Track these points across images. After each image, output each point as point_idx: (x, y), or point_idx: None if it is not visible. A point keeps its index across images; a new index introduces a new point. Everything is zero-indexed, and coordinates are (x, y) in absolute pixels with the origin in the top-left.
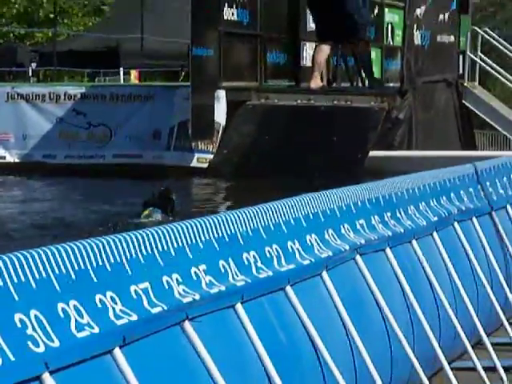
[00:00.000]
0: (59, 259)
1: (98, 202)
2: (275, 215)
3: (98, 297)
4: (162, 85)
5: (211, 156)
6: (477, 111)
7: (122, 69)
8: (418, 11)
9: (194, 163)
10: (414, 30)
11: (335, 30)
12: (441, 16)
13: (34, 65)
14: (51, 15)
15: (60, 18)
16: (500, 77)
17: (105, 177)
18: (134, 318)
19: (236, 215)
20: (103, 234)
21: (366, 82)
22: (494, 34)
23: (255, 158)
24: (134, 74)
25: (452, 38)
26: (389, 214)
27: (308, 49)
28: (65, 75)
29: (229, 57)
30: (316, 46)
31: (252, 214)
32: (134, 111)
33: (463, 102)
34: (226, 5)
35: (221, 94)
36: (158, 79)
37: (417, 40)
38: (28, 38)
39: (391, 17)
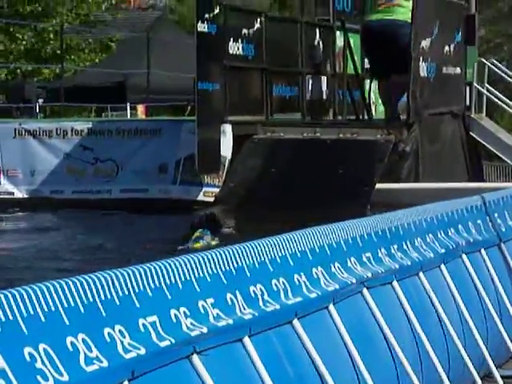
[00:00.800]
0: (68, 292)
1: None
2: (281, 248)
3: (106, 330)
4: (168, 119)
5: (217, 190)
6: (484, 143)
7: (128, 104)
8: (424, 43)
9: (201, 197)
10: (420, 62)
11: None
12: (446, 48)
13: (41, 101)
14: (58, 51)
15: (67, 54)
16: (507, 108)
17: (112, 211)
18: (143, 351)
19: (243, 248)
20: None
21: (372, 114)
22: (500, 66)
23: (261, 192)
24: (140, 108)
25: (458, 70)
26: (395, 247)
27: (313, 82)
28: (72, 111)
29: (234, 91)
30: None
31: (258, 247)
32: (140, 146)
33: (470, 133)
34: (232, 39)
35: (227, 128)
36: (165, 114)
37: (422, 72)
38: (35, 74)
39: None
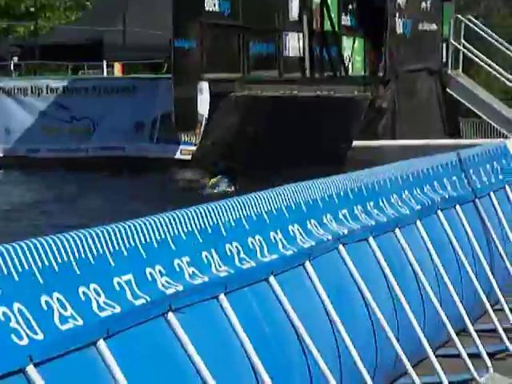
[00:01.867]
0: (42, 252)
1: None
2: (258, 206)
3: (81, 289)
4: (144, 77)
5: (194, 148)
6: (461, 99)
7: (105, 62)
8: (400, 0)
9: (178, 155)
10: (396, 19)
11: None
12: (423, 4)
13: (15, 59)
14: (32, 9)
15: (42, 12)
16: (484, 64)
17: (88, 170)
18: (118, 309)
19: (219, 206)
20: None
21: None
22: (477, 22)
23: (239, 150)
24: (117, 66)
25: (434, 26)
26: (371, 204)
27: (290, 39)
28: (48, 69)
29: (211, 48)
30: None
31: (234, 205)
32: (116, 104)
33: (447, 90)
34: None
35: (203, 86)
36: (142, 71)
37: (399, 29)
38: (9, 31)
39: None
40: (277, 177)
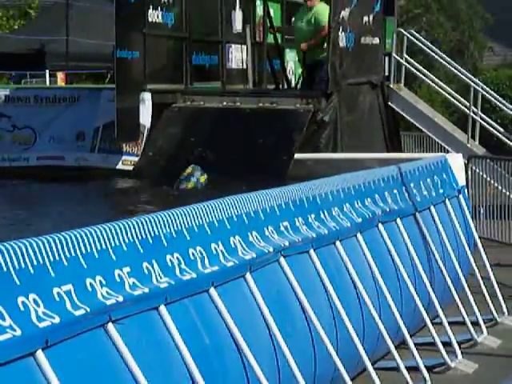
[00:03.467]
0: None
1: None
2: (199, 217)
3: (20, 299)
4: (87, 87)
5: (136, 158)
6: (402, 113)
7: (47, 71)
8: (343, 13)
9: (119, 165)
10: (339, 33)
11: None
12: (365, 18)
13: None
14: None
15: None
16: (425, 78)
17: (29, 179)
18: (57, 320)
19: (160, 217)
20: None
21: (292, 85)
22: (419, 36)
23: (180, 161)
24: (60, 76)
25: (377, 40)
26: (313, 216)
27: (233, 51)
28: None
29: (154, 59)
30: None
31: (176, 216)
32: (58, 113)
33: (389, 103)
34: (151, 7)
35: (146, 97)
36: (85, 82)
37: (342, 42)
38: None
39: None
40: (219, 188)
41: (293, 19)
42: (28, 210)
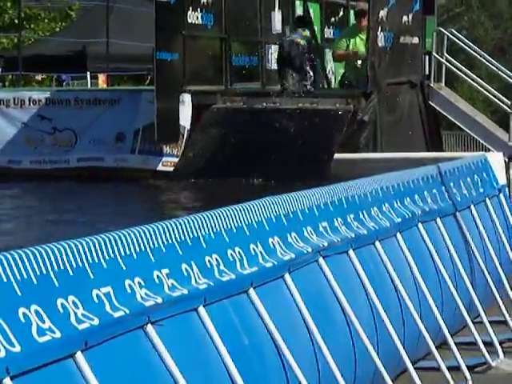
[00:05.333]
0: (20, 264)
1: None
2: (237, 218)
3: (59, 301)
4: (127, 89)
5: (176, 159)
6: (443, 112)
7: (88, 73)
8: (381, 13)
9: (160, 167)
10: (378, 32)
11: None
12: (404, 17)
13: None
14: (16, 20)
15: (26, 23)
16: (466, 77)
17: (70, 181)
18: (96, 322)
19: (198, 218)
20: None
21: (332, 85)
22: (459, 35)
23: (221, 161)
24: (101, 78)
25: (416, 40)
26: (352, 216)
27: (273, 51)
28: (32, 80)
29: (193, 60)
30: None
31: (214, 217)
32: (98, 115)
33: (429, 103)
34: (191, 8)
35: (186, 98)
36: (126, 83)
37: (380, 42)
38: None
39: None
40: (259, 188)
41: (332, 19)
42: (68, 211)
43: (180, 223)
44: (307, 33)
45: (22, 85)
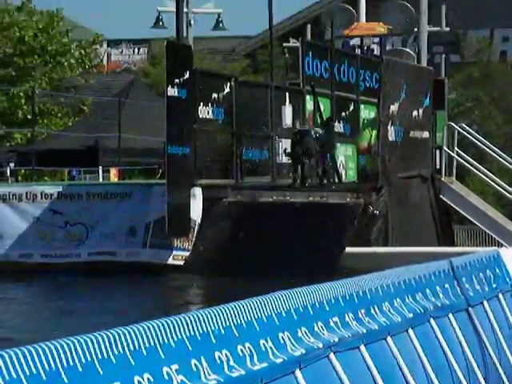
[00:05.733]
0: (30, 360)
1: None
2: (247, 313)
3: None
4: (138, 183)
5: (187, 253)
6: (454, 206)
7: (100, 167)
8: (392, 108)
9: (170, 260)
10: (388, 127)
11: None
12: (414, 112)
13: (12, 165)
14: (29, 116)
15: (40, 119)
16: (477, 172)
17: (81, 275)
18: None
19: (208, 313)
20: None
21: (342, 178)
22: (470, 130)
23: (231, 255)
24: (113, 171)
25: (426, 134)
26: (363, 311)
27: (283, 145)
28: (45, 174)
29: (204, 154)
30: None
31: (224, 312)
32: (110, 209)
33: (440, 197)
34: (202, 103)
35: (197, 192)
36: (138, 176)
37: (391, 136)
38: (7, 138)
39: (367, 113)
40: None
41: (343, 114)
42: (78, 304)
43: (190, 318)
44: (319, 130)
45: (34, 179)
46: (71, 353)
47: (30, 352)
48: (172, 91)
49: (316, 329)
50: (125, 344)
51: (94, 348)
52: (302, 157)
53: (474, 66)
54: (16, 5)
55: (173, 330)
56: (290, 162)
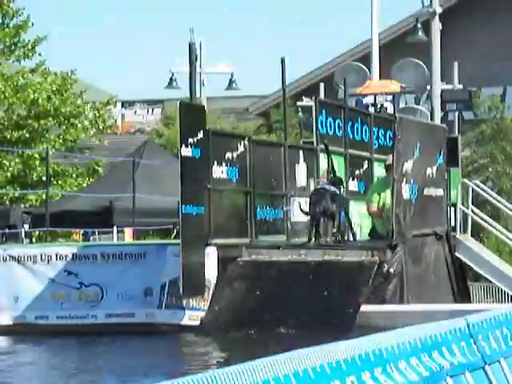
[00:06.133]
0: None
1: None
2: (263, 372)
3: None
4: (153, 243)
5: (203, 313)
6: (470, 263)
7: (115, 227)
8: (406, 165)
9: (186, 321)
10: (402, 184)
11: None
12: (428, 170)
13: (26, 226)
14: (44, 177)
15: (54, 180)
16: (492, 229)
17: (97, 336)
18: None
19: (225, 373)
20: None
21: (357, 237)
22: (484, 187)
23: (247, 315)
24: (127, 232)
25: (441, 191)
26: (379, 370)
27: (297, 204)
28: (60, 236)
29: (219, 213)
30: None
31: (240, 372)
32: (125, 270)
33: (456, 254)
34: (215, 163)
35: (211, 251)
36: (152, 236)
37: (405, 194)
38: (22, 200)
39: (380, 171)
40: (285, 341)
41: (357, 172)
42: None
43: (206, 378)
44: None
45: (48, 240)
46: None
47: None
48: (186, 151)
49: None
50: None
51: None
52: (319, 215)
53: (487, 122)
54: (30, 67)
55: None
56: (307, 220)
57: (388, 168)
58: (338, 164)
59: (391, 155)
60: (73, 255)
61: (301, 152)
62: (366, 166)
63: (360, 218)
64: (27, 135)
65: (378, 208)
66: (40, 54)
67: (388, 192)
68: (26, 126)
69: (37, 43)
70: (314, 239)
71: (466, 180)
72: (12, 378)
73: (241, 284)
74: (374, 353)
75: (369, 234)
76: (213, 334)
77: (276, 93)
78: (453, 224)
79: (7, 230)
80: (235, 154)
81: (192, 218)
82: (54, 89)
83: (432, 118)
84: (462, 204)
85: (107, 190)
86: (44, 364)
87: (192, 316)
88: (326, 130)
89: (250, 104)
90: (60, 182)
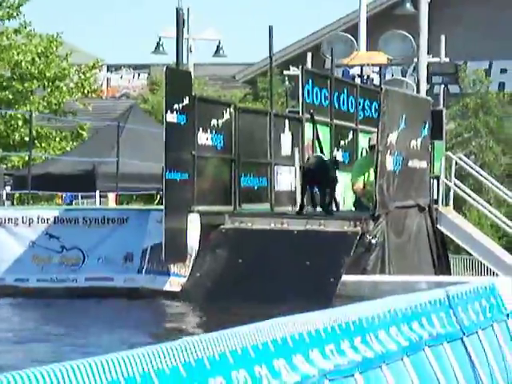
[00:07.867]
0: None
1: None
2: (243, 340)
3: None
4: (135, 208)
5: (184, 279)
6: (451, 236)
7: (98, 192)
8: (390, 137)
9: (167, 286)
10: (387, 156)
11: None
12: (413, 142)
13: (8, 188)
14: (27, 139)
15: (38, 142)
16: (474, 202)
17: (77, 300)
18: None
19: (203, 340)
20: None
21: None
22: (467, 160)
23: (228, 283)
24: (110, 196)
25: (424, 164)
26: (359, 339)
27: (282, 173)
28: (42, 199)
29: (203, 181)
30: None
31: (220, 339)
32: (106, 234)
33: (438, 226)
34: (201, 129)
35: (194, 218)
36: (136, 202)
37: (389, 165)
38: (4, 161)
39: (365, 142)
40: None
41: (342, 142)
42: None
43: (184, 345)
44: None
45: (30, 203)
46: (58, 380)
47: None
48: (171, 117)
49: (311, 356)
50: (118, 370)
51: (87, 373)
52: (311, 184)
53: (471, 96)
54: (14, 27)
55: (167, 357)
56: (295, 188)
57: (372, 148)
58: (323, 134)
59: (374, 134)
60: (55, 218)
61: (286, 121)
62: (351, 136)
63: (344, 188)
64: (10, 96)
65: (363, 186)
66: (24, 15)
67: (372, 171)
68: (10, 88)
69: (22, 2)
70: (311, 206)
71: (449, 153)
72: None
73: (223, 251)
74: (353, 322)
75: (354, 205)
76: (193, 300)
77: (263, 61)
78: (435, 197)
79: None
80: (220, 122)
81: (176, 184)
82: (39, 51)
83: (418, 91)
84: (445, 177)
85: (91, 154)
86: (24, 328)
87: (173, 282)
88: (312, 99)
89: (237, 71)
90: (43, 145)
